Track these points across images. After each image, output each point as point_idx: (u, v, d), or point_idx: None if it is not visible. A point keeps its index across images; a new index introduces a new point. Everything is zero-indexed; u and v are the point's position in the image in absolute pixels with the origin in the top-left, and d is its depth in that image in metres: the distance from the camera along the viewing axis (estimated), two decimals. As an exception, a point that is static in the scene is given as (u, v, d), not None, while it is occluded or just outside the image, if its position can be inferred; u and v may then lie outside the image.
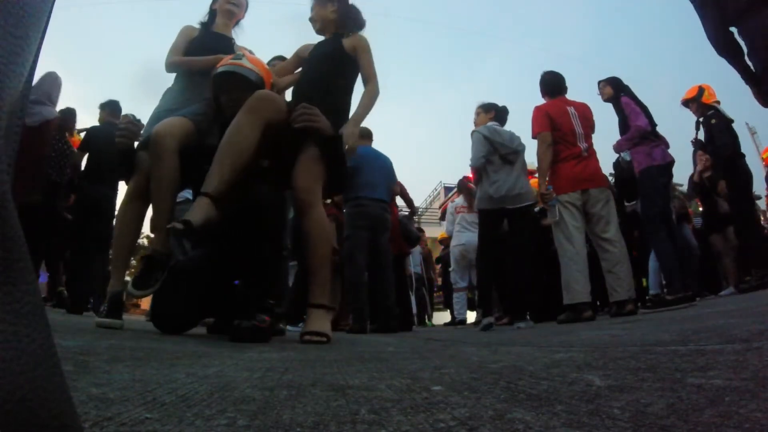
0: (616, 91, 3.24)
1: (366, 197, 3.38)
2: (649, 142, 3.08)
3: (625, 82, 3.35)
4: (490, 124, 3.23)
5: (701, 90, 3.76)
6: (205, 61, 1.98)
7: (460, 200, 5.02)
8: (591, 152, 2.99)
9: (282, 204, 1.87)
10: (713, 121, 3.63)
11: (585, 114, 3.05)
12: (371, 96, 1.82)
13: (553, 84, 3.17)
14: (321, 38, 2.05)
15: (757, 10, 1.59)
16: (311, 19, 2.03)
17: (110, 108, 3.92)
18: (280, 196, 1.81)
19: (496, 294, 4.32)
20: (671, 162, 3.13)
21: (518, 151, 3.16)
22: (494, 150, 3.09)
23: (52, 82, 3.39)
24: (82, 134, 3.94)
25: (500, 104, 3.39)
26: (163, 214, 1.75)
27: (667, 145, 3.19)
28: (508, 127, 3.33)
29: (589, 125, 3.04)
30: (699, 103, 3.74)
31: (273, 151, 1.77)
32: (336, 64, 1.85)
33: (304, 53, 2.04)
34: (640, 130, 3.04)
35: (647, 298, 3.96)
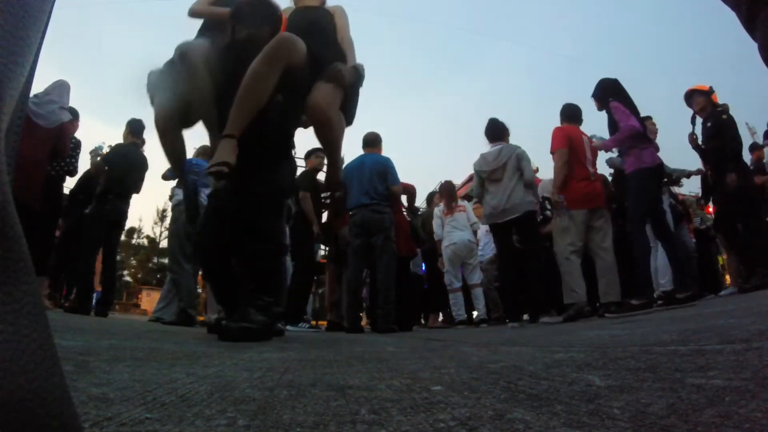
0: (603, 97, 3.28)
1: (354, 207, 3.72)
2: (639, 145, 3.09)
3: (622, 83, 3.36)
4: (482, 153, 3.60)
5: (712, 89, 3.79)
6: (226, 12, 1.97)
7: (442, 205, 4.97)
8: (597, 177, 3.43)
9: (284, 197, 1.92)
10: (725, 116, 3.58)
11: (592, 146, 3.45)
12: (351, 46, 2.19)
13: (572, 113, 3.55)
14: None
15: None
16: None
17: (132, 127, 3.91)
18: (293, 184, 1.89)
19: (496, 294, 4.41)
20: (660, 164, 3.20)
21: (502, 166, 3.42)
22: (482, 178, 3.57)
23: (65, 89, 3.41)
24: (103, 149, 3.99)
25: (494, 117, 3.77)
26: (210, 119, 1.90)
27: (656, 149, 3.24)
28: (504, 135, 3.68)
29: (595, 155, 3.45)
30: (708, 98, 3.70)
31: (288, 84, 1.83)
32: (333, 29, 2.22)
33: (285, 13, 2.31)
34: (633, 130, 3.01)
35: (657, 295, 3.92)
